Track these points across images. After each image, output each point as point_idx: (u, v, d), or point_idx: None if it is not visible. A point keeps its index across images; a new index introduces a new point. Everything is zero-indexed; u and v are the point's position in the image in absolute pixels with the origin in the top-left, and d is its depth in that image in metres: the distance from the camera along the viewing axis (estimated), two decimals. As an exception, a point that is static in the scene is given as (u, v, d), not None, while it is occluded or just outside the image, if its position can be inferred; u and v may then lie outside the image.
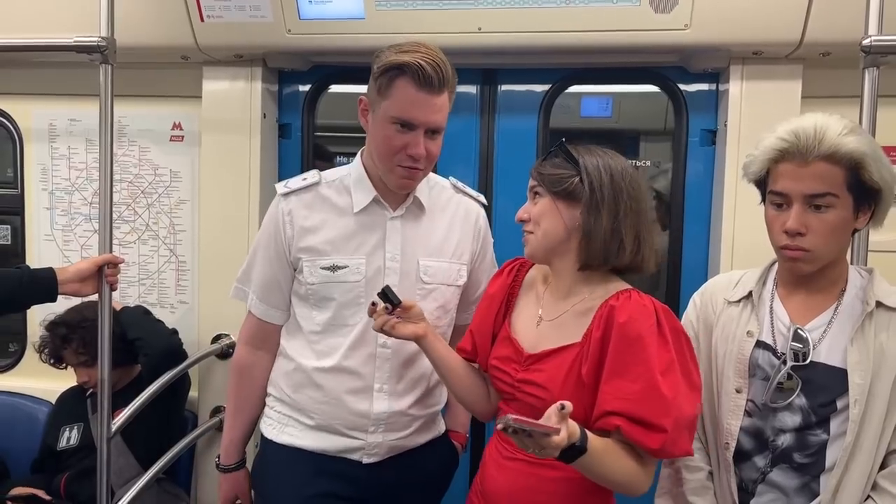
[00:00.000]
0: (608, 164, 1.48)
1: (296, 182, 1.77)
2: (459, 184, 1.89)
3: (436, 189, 1.82)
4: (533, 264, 1.67)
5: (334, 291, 1.71)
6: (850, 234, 1.46)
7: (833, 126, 1.38)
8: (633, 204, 1.47)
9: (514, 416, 1.21)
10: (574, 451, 1.27)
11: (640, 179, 1.51)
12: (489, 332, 1.64)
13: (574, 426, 1.28)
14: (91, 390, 2.46)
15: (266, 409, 1.86)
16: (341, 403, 1.72)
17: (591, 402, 1.40)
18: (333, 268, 1.71)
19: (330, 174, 1.79)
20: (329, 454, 1.75)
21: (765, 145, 1.44)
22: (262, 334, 1.84)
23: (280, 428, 1.80)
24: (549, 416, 1.23)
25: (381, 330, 1.60)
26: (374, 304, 1.60)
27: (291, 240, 1.73)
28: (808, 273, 1.47)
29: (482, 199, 1.91)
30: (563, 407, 1.22)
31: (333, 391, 1.72)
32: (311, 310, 1.75)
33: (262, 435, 1.85)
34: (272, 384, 1.85)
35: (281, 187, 1.77)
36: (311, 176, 1.77)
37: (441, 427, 1.91)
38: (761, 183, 1.50)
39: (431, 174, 1.81)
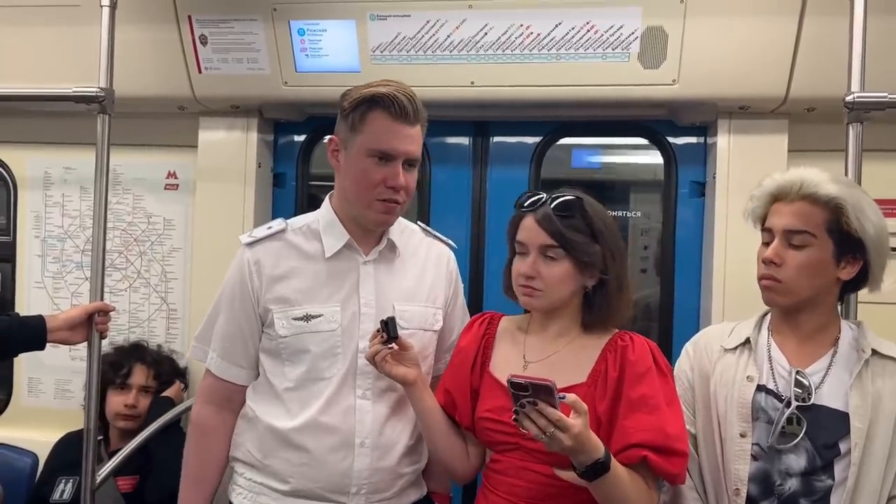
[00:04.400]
0: (609, 224, 1.54)
1: (261, 231, 1.71)
2: (428, 228, 1.87)
3: (406, 232, 1.78)
4: (503, 315, 1.69)
5: (309, 343, 1.63)
6: (828, 277, 1.52)
7: (821, 175, 1.50)
8: (625, 264, 1.56)
9: (513, 373, 1.31)
10: (598, 467, 1.33)
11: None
12: (467, 386, 1.62)
13: (598, 443, 1.34)
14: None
15: (234, 476, 1.74)
16: (320, 464, 1.62)
17: (606, 439, 1.43)
18: (307, 317, 1.63)
19: (296, 221, 1.74)
20: None
21: (763, 186, 1.58)
22: (224, 394, 1.73)
23: (252, 497, 1.68)
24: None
25: (373, 361, 1.57)
26: (377, 330, 1.57)
27: (259, 290, 1.65)
28: (781, 306, 1.54)
29: (451, 243, 1.88)
30: (564, 397, 1.31)
31: (312, 451, 1.62)
32: (283, 365, 1.66)
33: None
34: (237, 448, 1.73)
35: (245, 237, 1.71)
36: (277, 224, 1.72)
37: (423, 489, 1.80)
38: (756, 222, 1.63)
39: (401, 219, 1.77)
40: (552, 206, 1.51)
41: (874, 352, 1.50)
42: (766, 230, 1.56)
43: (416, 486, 1.76)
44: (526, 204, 1.56)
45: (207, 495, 1.75)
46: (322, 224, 1.71)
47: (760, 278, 1.55)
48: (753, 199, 1.61)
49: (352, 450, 1.62)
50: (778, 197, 1.54)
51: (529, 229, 1.53)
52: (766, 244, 1.55)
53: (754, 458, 1.50)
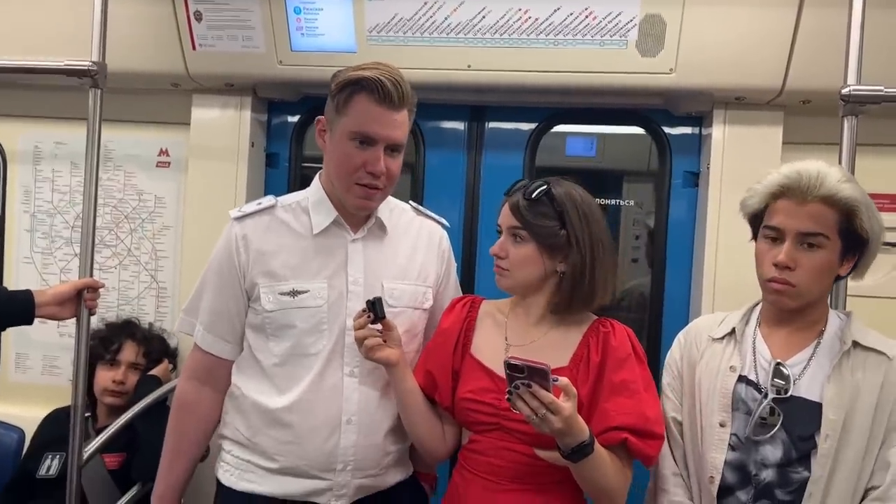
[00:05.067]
0: (585, 213, 1.56)
1: (250, 206, 1.72)
2: (420, 207, 1.87)
3: (396, 211, 1.78)
4: (483, 299, 1.73)
5: (295, 318, 1.63)
6: (833, 277, 1.51)
7: (834, 173, 1.45)
8: (605, 252, 1.58)
9: (511, 355, 1.37)
10: (583, 449, 1.38)
11: (603, 216, 1.62)
12: (448, 367, 1.64)
13: (584, 426, 1.39)
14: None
15: (221, 454, 1.75)
16: (307, 441, 1.62)
17: (586, 421, 1.45)
18: (293, 293, 1.64)
19: (287, 198, 1.74)
20: (294, 499, 1.65)
21: (768, 180, 1.51)
22: (209, 368, 1.74)
23: (239, 474, 1.69)
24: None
25: (360, 343, 1.57)
26: (363, 310, 1.57)
27: (246, 265, 1.66)
28: (790, 308, 1.51)
29: (444, 221, 1.88)
30: (556, 379, 1.35)
31: (298, 428, 1.62)
32: (268, 341, 1.66)
33: (217, 481, 1.74)
34: (226, 426, 1.74)
35: (234, 212, 1.71)
36: (267, 200, 1.72)
37: (409, 469, 1.81)
38: (756, 218, 1.56)
39: (391, 198, 1.76)
40: (522, 192, 1.58)
41: (856, 343, 1.49)
42: (770, 228, 1.49)
43: (401, 465, 1.77)
44: (507, 192, 1.64)
45: (183, 471, 1.78)
46: (311, 202, 1.70)
47: (770, 281, 1.48)
48: (754, 194, 1.54)
49: (338, 427, 1.63)
50: (786, 194, 1.47)
51: (503, 213, 1.62)
52: (772, 240, 1.49)
53: (732, 448, 1.51)
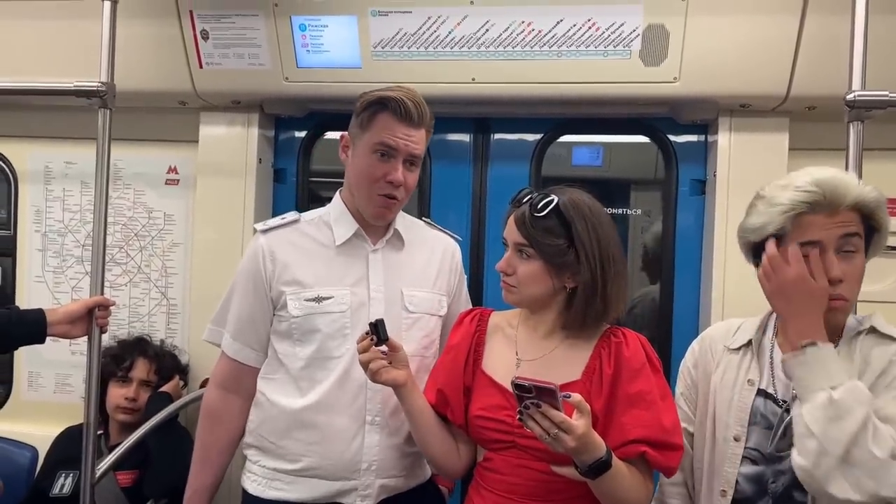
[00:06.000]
0: (594, 226, 1.51)
1: (275, 220, 1.81)
2: (433, 222, 1.95)
3: (412, 226, 1.87)
4: (492, 311, 1.71)
5: (319, 323, 1.70)
6: None
7: (850, 178, 1.44)
8: (616, 266, 1.53)
9: (518, 376, 1.33)
10: (600, 466, 1.35)
11: (614, 227, 1.57)
12: (460, 384, 1.62)
13: (600, 442, 1.36)
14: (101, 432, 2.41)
15: (247, 464, 1.80)
16: (332, 442, 1.68)
17: (602, 434, 1.42)
18: (318, 299, 1.71)
19: (309, 214, 1.83)
20: (322, 503, 1.70)
21: (789, 198, 1.41)
22: (236, 376, 1.81)
23: (266, 483, 1.73)
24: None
25: (366, 367, 1.56)
26: (366, 333, 1.57)
27: (272, 275, 1.73)
28: (842, 323, 1.46)
29: (456, 236, 1.95)
30: (569, 396, 1.33)
31: (323, 429, 1.68)
32: (295, 346, 1.73)
33: (244, 491, 1.78)
34: (251, 435, 1.79)
35: (260, 225, 1.80)
36: (291, 215, 1.82)
37: (427, 473, 1.85)
38: (761, 242, 1.48)
39: (406, 214, 1.86)
40: (528, 206, 1.53)
41: (872, 329, 1.45)
42: (808, 244, 1.40)
43: (420, 468, 1.82)
44: (512, 201, 1.61)
45: (213, 477, 1.83)
46: (333, 216, 1.79)
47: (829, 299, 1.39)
48: (770, 219, 1.43)
49: (362, 427, 1.69)
50: (814, 210, 1.39)
51: (509, 227, 1.58)
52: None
53: (753, 462, 1.48)
